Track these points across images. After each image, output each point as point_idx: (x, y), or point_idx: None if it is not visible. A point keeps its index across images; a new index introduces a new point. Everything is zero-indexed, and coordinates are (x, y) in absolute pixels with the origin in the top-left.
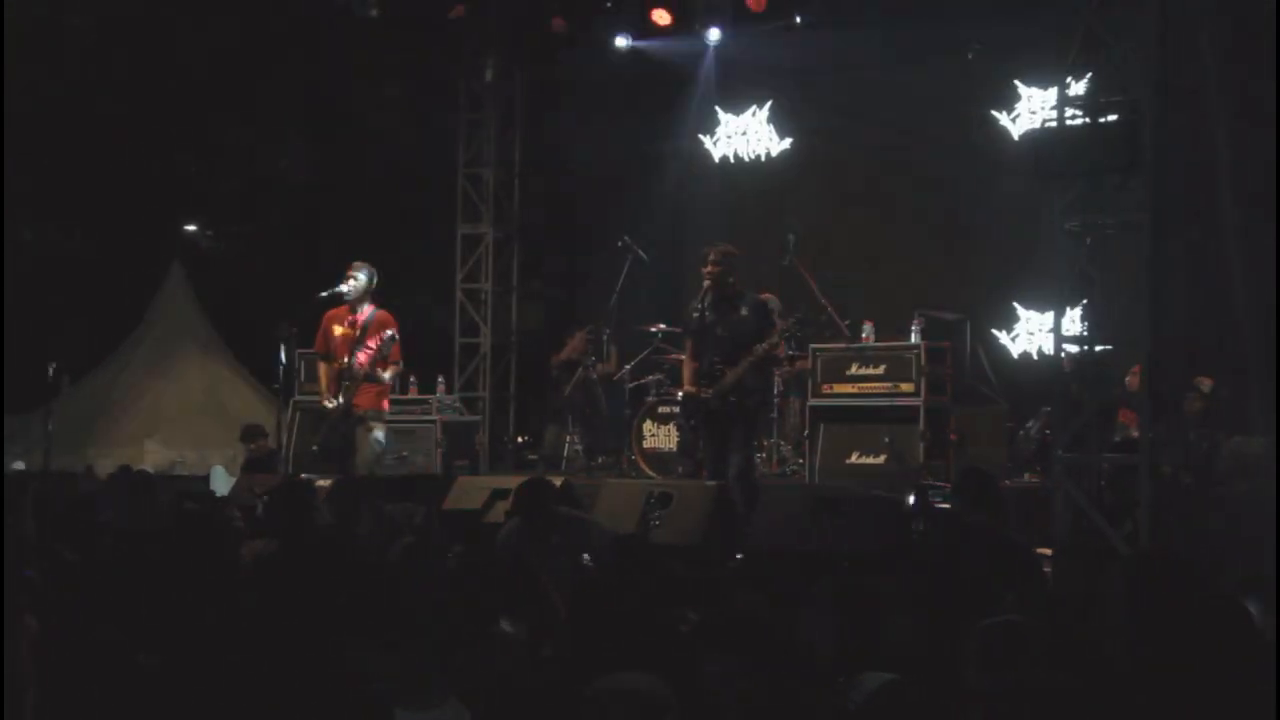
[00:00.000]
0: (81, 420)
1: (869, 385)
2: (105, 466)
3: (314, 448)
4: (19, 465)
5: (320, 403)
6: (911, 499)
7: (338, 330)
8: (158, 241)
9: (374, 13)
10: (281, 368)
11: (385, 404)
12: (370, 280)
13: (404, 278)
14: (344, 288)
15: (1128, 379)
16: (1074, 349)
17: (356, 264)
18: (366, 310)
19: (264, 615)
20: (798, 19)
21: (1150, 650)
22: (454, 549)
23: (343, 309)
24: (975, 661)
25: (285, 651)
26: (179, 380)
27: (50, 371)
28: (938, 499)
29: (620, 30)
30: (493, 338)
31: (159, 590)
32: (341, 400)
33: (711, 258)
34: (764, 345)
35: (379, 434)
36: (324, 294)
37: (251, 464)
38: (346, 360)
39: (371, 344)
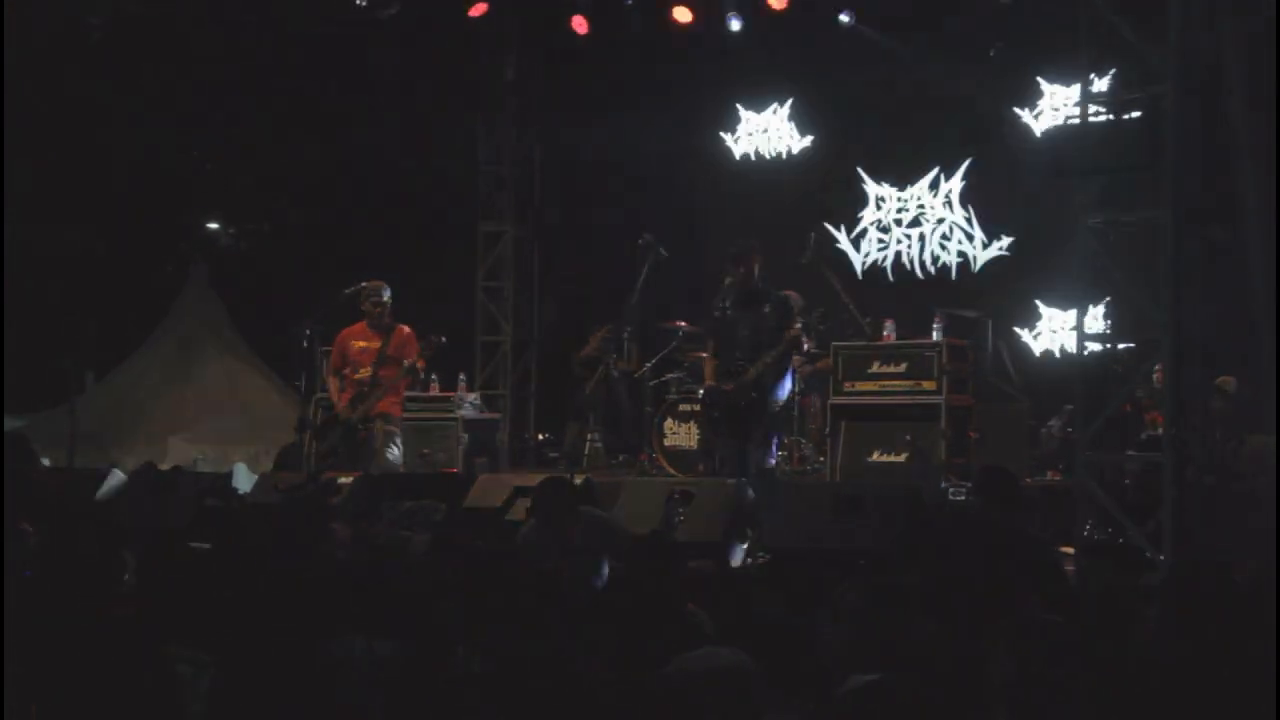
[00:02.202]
0: (105, 418)
1: (890, 383)
2: (129, 464)
3: (321, 445)
4: (44, 462)
5: (335, 408)
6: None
7: (358, 344)
8: (179, 240)
9: (392, 10)
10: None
11: (399, 410)
12: (389, 298)
13: (425, 276)
14: (368, 307)
15: (1155, 376)
16: (1097, 346)
17: (375, 284)
18: (387, 326)
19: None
20: (843, 17)
21: (1185, 653)
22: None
23: (358, 326)
24: (1002, 659)
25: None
26: (201, 378)
27: (74, 370)
28: (959, 496)
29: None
30: (514, 335)
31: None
32: (362, 407)
33: (737, 255)
34: (784, 340)
35: (394, 444)
36: (348, 290)
37: (284, 459)
38: (370, 371)
39: (392, 353)
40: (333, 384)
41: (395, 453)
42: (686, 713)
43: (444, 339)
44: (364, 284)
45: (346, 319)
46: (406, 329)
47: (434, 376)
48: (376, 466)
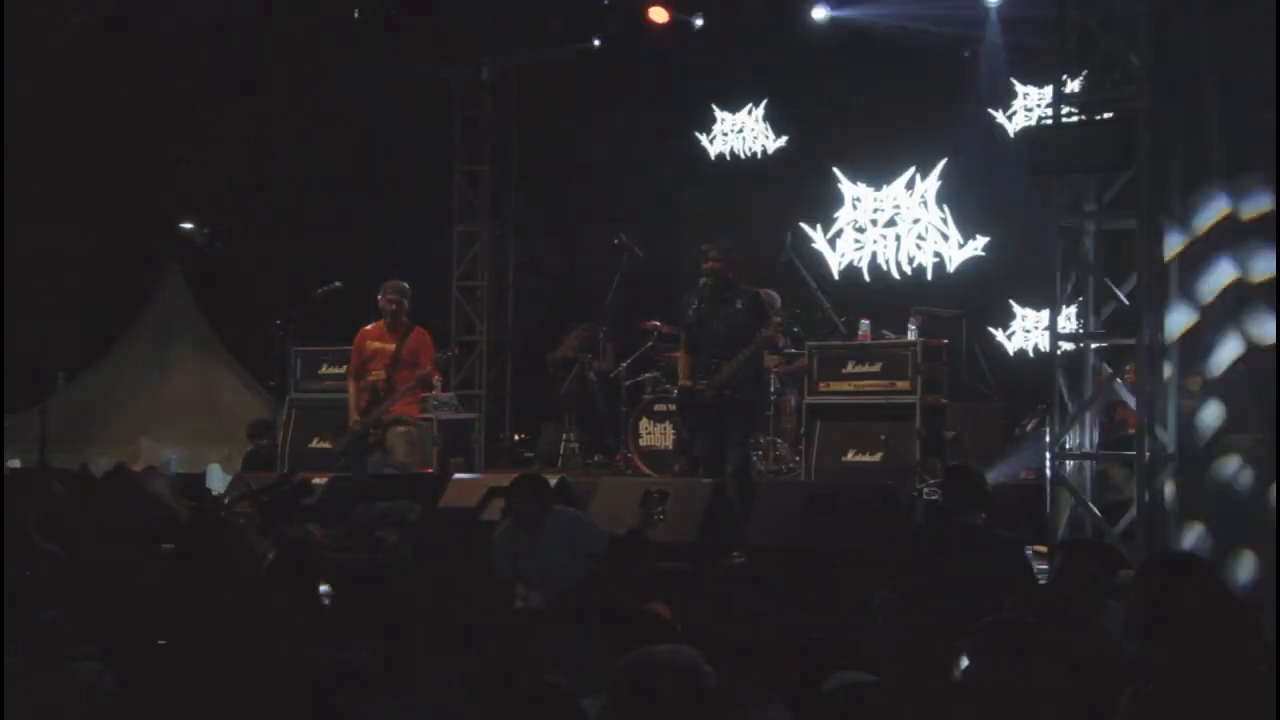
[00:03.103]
0: (77, 418)
1: (865, 383)
2: (101, 465)
3: (335, 447)
4: (15, 463)
5: (350, 414)
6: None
7: (374, 345)
8: (154, 239)
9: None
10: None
11: (416, 410)
12: (405, 299)
13: (401, 275)
14: (385, 306)
15: (1127, 375)
16: (1070, 346)
17: (393, 284)
18: (403, 328)
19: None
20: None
21: (1163, 651)
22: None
23: (376, 327)
24: (969, 659)
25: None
26: (175, 378)
27: (46, 370)
28: (933, 496)
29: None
30: (489, 336)
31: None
32: (375, 411)
33: (712, 254)
34: (758, 338)
35: (410, 444)
36: (321, 289)
37: (252, 461)
38: (384, 374)
39: (406, 356)
40: (351, 389)
41: (410, 453)
42: (633, 708)
43: (455, 351)
44: (385, 283)
45: (320, 319)
46: (424, 333)
47: None
48: (391, 466)
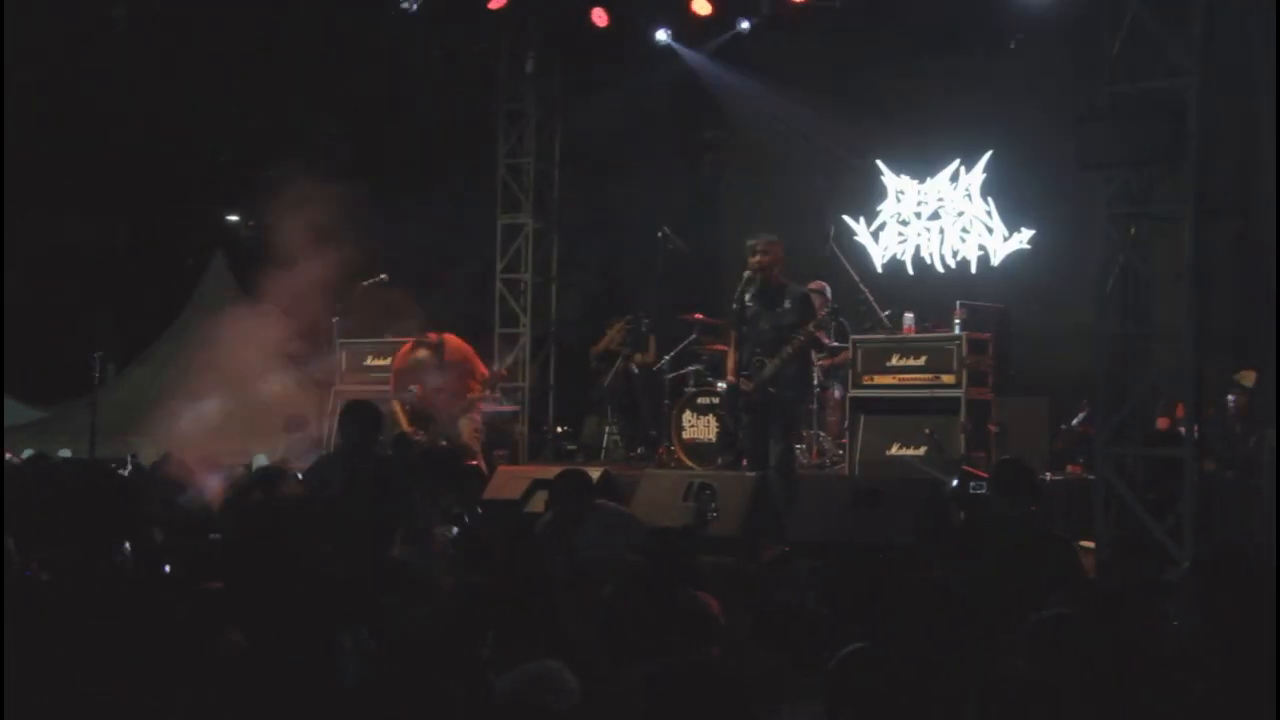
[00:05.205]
0: (125, 409)
1: (909, 376)
2: (149, 455)
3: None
4: (65, 453)
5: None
6: (955, 482)
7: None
8: (200, 232)
9: (414, 4)
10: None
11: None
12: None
13: (444, 268)
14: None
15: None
16: None
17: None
18: (433, 343)
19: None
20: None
21: (1221, 648)
22: None
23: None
24: (1024, 653)
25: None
26: (221, 370)
27: (95, 361)
28: (978, 489)
29: (661, 24)
30: (532, 328)
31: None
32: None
33: (759, 248)
34: (801, 336)
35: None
36: (367, 282)
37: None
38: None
39: (451, 376)
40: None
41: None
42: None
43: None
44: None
45: (366, 311)
46: (456, 342)
47: None
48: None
